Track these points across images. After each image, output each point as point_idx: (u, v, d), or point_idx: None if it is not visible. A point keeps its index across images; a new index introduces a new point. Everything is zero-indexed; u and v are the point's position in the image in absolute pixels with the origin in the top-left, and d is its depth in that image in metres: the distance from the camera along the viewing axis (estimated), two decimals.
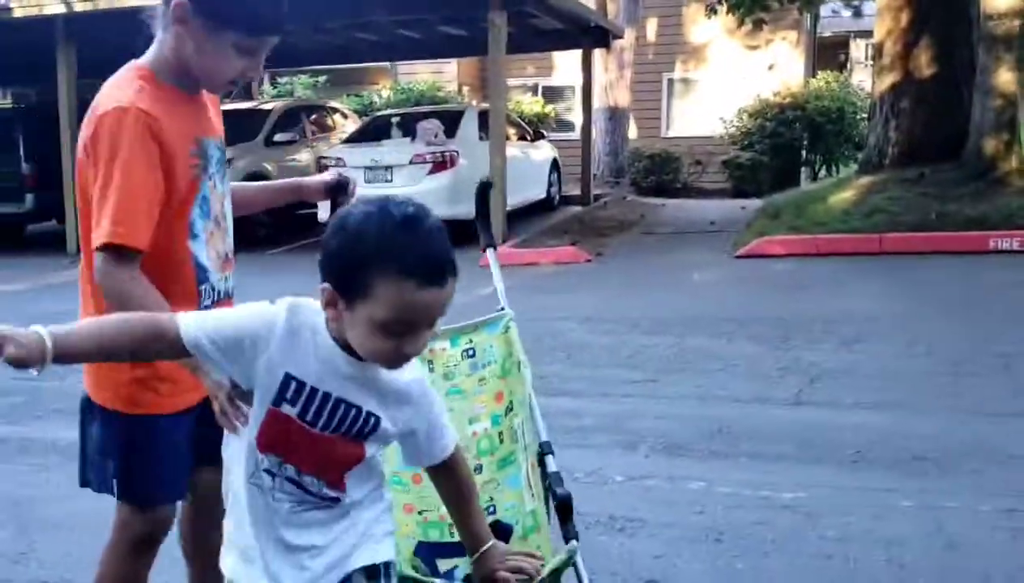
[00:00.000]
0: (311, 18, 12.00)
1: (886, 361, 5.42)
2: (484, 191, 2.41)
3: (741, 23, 13.35)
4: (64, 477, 4.05)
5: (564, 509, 1.92)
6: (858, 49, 25.95)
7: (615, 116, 17.96)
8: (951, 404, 4.61)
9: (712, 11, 13.64)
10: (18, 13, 12.21)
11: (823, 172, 17.23)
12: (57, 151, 11.99)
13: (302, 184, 2.40)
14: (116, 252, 1.85)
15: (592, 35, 14.48)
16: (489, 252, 2.35)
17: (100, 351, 1.51)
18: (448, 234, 1.46)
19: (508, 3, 10.93)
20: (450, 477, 1.71)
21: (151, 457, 2.03)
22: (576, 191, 15.10)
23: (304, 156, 13.13)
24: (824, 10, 18.74)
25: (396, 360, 1.48)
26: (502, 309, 2.24)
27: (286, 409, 1.51)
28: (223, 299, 2.12)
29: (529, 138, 13.93)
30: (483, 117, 11.88)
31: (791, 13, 16.46)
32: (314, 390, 1.50)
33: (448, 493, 1.74)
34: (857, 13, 17.34)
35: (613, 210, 14.11)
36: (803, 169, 17.55)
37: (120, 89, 1.94)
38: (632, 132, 18.76)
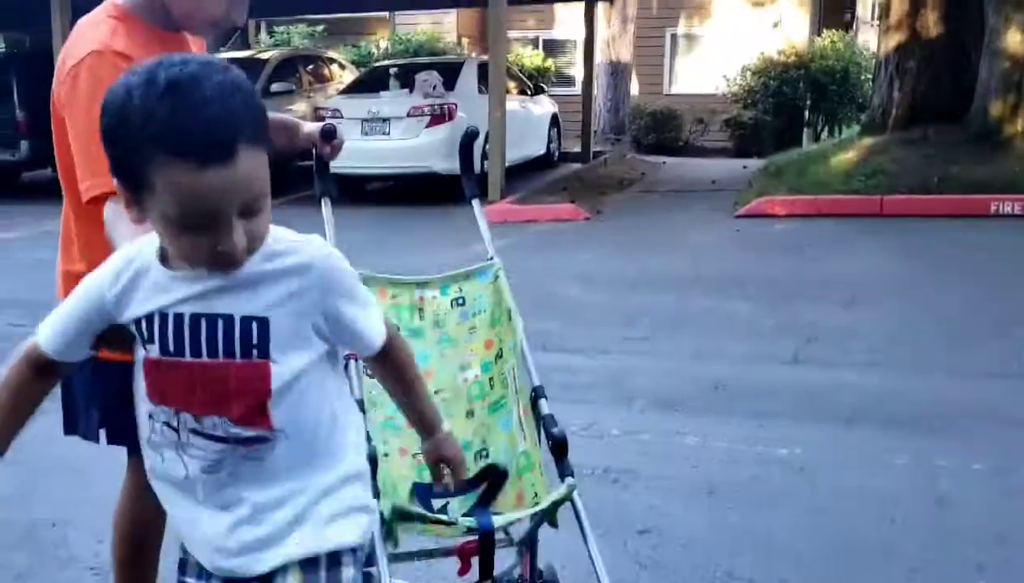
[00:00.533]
0: None
1: (883, 322, 5.42)
2: (468, 141, 2.37)
3: None
4: (59, 420, 4.07)
5: (559, 448, 1.95)
6: (864, 8, 25.65)
7: (617, 72, 17.79)
8: (947, 365, 4.62)
9: None
10: None
11: (825, 132, 17.14)
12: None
13: (300, 126, 2.34)
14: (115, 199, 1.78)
15: None
16: (475, 203, 2.35)
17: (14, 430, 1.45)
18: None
19: None
20: (388, 365, 1.49)
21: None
22: (576, 148, 15.01)
23: (301, 106, 13.00)
24: None
25: (215, 262, 1.22)
26: (491, 259, 2.25)
27: (151, 352, 1.31)
28: None
29: (529, 92, 13.80)
30: (483, 70, 11.74)
31: None
32: (164, 316, 1.28)
33: (387, 381, 1.54)
34: None
35: (613, 168, 14.02)
36: (806, 129, 17.44)
37: (92, 31, 1.86)
38: (634, 88, 18.60)
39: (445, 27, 19.85)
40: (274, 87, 12.72)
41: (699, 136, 17.54)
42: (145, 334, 1.30)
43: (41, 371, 1.40)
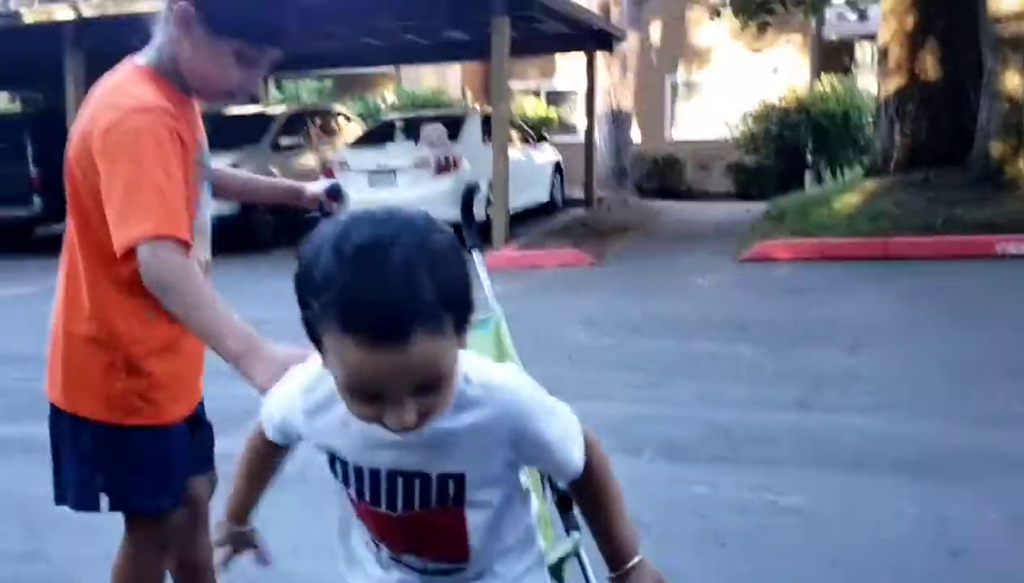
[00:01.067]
0: (317, 22, 12.03)
1: (890, 366, 5.41)
2: (469, 195, 2.47)
3: (745, 26, 13.37)
4: None
5: (564, 501, 1.95)
6: (863, 52, 25.91)
7: (618, 119, 17.96)
8: (955, 409, 4.60)
9: (716, 13, 13.67)
10: (29, 19, 12.35)
11: (827, 176, 17.22)
12: (64, 155, 12.02)
13: (303, 190, 2.45)
14: (171, 244, 1.76)
15: (595, 38, 14.50)
16: (475, 254, 2.40)
17: (260, 490, 1.56)
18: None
19: (511, 7, 10.96)
20: (588, 488, 1.39)
21: (155, 467, 1.99)
22: (579, 194, 15.12)
23: (309, 160, 13.17)
24: (829, 13, 18.72)
25: (386, 428, 1.15)
26: (491, 310, 2.29)
27: (346, 488, 1.31)
28: None
29: (532, 141, 13.96)
30: (487, 121, 11.92)
31: (796, 16, 16.47)
32: (359, 470, 1.26)
33: (586, 505, 1.43)
34: (862, 16, 17.29)
35: (616, 213, 14.10)
36: (807, 173, 17.53)
37: (133, 88, 1.87)
38: (636, 135, 18.77)
39: (450, 80, 20.13)
40: (283, 141, 12.90)
41: (701, 181, 17.66)
42: (339, 473, 1.30)
43: (274, 446, 1.46)
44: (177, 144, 1.85)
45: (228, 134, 13.42)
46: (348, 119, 15.24)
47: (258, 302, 7.78)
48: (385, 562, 1.37)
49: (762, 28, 13.19)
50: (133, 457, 2.01)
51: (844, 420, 4.51)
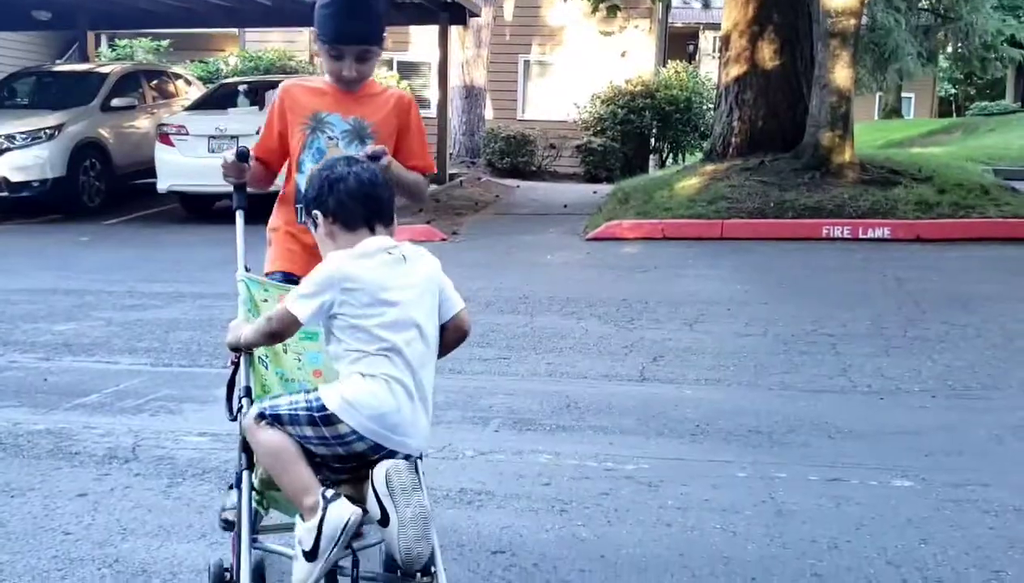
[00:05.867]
0: None
1: (725, 340, 5.65)
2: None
3: (595, 8, 13.60)
4: None
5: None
6: (707, 41, 26.98)
7: (471, 95, 17.96)
8: (784, 381, 4.86)
9: None
10: None
11: (670, 159, 17.85)
12: None
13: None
14: None
15: (449, 11, 14.38)
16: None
17: None
18: None
19: None
20: None
21: None
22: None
23: (144, 122, 12.50)
24: (676, 0, 19.32)
25: None
26: None
27: None
28: None
29: None
30: None
31: (644, 2, 16.91)
32: None
33: None
34: (706, 5, 17.95)
35: (468, 190, 14.12)
36: (652, 156, 18.11)
37: None
38: (488, 113, 18.81)
39: (297, 45, 19.51)
40: (115, 102, 12.18)
41: (551, 161, 17.91)
42: None
43: None
44: None
45: (55, 93, 12.55)
46: (188, 82, 14.54)
47: (77, 274, 7.31)
48: None
49: (611, 11, 13.45)
50: None
51: (682, 391, 4.68)
